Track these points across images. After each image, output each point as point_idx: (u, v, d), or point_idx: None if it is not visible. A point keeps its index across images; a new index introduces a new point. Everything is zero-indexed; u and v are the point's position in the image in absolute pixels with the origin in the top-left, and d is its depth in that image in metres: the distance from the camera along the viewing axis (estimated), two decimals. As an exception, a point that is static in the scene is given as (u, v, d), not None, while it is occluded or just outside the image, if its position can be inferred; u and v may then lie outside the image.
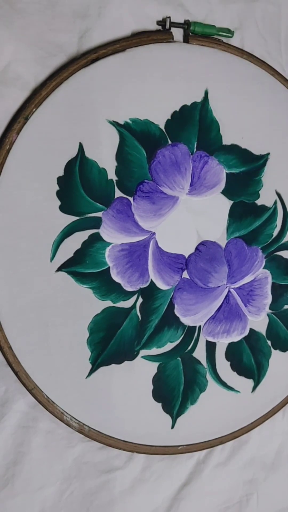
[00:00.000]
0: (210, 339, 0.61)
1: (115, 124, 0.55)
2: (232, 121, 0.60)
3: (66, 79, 0.54)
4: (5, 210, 0.53)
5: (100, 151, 0.55)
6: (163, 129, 0.57)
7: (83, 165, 0.54)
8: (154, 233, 0.58)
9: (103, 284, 0.56)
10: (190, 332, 0.60)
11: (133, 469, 0.62)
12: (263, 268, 0.63)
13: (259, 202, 0.62)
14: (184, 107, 0.58)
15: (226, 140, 0.60)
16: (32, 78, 0.55)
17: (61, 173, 0.54)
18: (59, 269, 0.55)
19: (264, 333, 0.64)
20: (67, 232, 0.54)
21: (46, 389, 0.55)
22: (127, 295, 0.57)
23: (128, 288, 0.57)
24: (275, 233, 0.63)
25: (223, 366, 0.62)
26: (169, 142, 0.57)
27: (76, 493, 0.60)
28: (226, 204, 0.61)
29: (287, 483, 0.70)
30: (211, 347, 0.61)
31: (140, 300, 0.58)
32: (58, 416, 0.56)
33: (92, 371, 0.57)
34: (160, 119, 0.57)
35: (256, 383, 0.64)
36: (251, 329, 0.63)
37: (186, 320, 0.60)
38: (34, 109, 0.53)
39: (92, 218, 0.55)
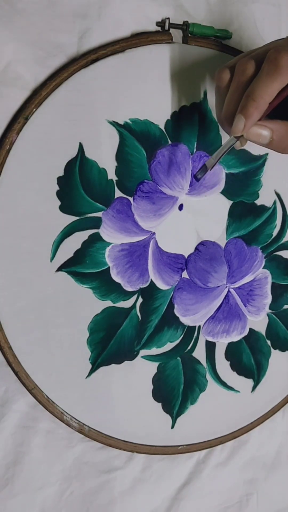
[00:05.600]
0: (210, 339, 0.61)
1: (115, 124, 0.55)
2: (231, 121, 0.60)
3: (66, 80, 0.54)
4: (5, 210, 0.53)
5: (100, 151, 0.55)
6: (163, 129, 0.57)
7: (83, 165, 0.54)
8: (154, 233, 0.58)
9: (103, 284, 0.56)
10: (190, 332, 0.60)
11: (133, 469, 0.62)
12: (263, 268, 0.63)
13: (258, 202, 0.62)
14: (183, 108, 0.58)
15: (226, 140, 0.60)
16: (32, 78, 0.55)
17: (61, 173, 0.54)
18: (59, 269, 0.55)
19: (263, 333, 0.64)
20: (67, 232, 0.54)
21: (46, 389, 0.55)
22: (127, 295, 0.57)
23: (128, 288, 0.57)
24: (275, 233, 0.64)
25: (223, 366, 0.62)
26: (169, 142, 0.57)
27: (76, 493, 0.60)
28: (225, 204, 0.61)
29: (287, 483, 0.70)
30: (210, 347, 0.62)
31: (140, 300, 0.58)
32: (58, 416, 0.56)
33: (92, 371, 0.57)
34: (160, 119, 0.57)
35: (256, 383, 0.64)
36: (250, 329, 0.63)
37: (186, 320, 0.60)
38: (34, 109, 0.53)
39: (92, 218, 0.55)
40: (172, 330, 0.60)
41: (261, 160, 0.62)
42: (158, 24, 0.59)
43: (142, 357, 0.58)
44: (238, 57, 0.48)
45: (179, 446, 0.61)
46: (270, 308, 0.64)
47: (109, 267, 0.56)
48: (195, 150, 0.58)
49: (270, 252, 0.64)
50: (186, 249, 0.60)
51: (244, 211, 0.62)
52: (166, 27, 0.58)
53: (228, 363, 0.63)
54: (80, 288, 0.55)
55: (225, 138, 0.60)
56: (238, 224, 0.61)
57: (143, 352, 0.59)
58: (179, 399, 0.60)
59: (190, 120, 0.58)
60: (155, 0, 0.58)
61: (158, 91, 0.57)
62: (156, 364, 0.59)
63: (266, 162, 0.62)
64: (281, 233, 0.64)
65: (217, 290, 0.61)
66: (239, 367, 0.63)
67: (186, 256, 0.60)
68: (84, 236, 0.55)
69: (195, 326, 0.61)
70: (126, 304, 0.57)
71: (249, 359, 0.63)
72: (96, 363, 0.57)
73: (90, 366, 0.56)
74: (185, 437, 0.62)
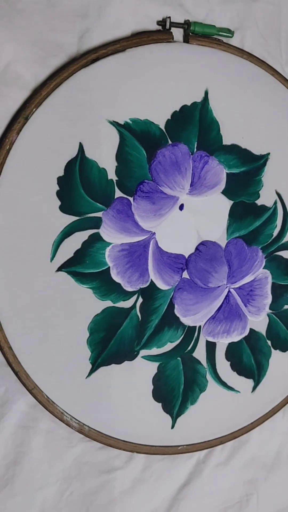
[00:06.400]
0: (210, 339, 0.61)
1: (115, 124, 0.55)
2: (232, 121, 0.60)
3: (66, 79, 0.54)
4: (5, 210, 0.53)
5: (100, 151, 0.55)
6: (163, 129, 0.57)
7: (83, 165, 0.54)
8: (154, 233, 0.58)
9: (103, 284, 0.56)
10: (190, 332, 0.60)
11: (133, 469, 0.62)
12: (263, 268, 0.63)
13: (259, 202, 0.62)
14: (184, 107, 0.58)
15: (226, 140, 0.60)
16: (32, 78, 0.55)
17: (61, 173, 0.54)
18: (59, 269, 0.55)
19: (264, 333, 0.64)
20: (67, 232, 0.54)
21: (46, 389, 0.55)
22: (127, 295, 0.57)
23: (128, 288, 0.57)
24: (275, 233, 0.63)
25: (223, 366, 0.62)
26: (169, 142, 0.57)
27: (76, 493, 0.60)
28: (226, 204, 0.61)
29: (287, 483, 0.70)
30: (211, 347, 0.61)
31: (140, 300, 0.58)
32: (58, 416, 0.56)
33: (92, 371, 0.57)
34: (160, 119, 0.57)
35: (256, 383, 0.64)
36: (251, 329, 0.63)
37: (186, 320, 0.60)
38: (34, 109, 0.53)
39: (92, 218, 0.55)
40: (173, 330, 0.59)
41: (262, 160, 0.62)
42: (159, 23, 0.59)
43: (142, 357, 0.58)
44: None
45: (179, 446, 0.61)
46: (270, 308, 0.64)
47: (109, 267, 0.56)
48: (195, 150, 0.58)
49: (271, 252, 0.63)
50: (186, 249, 0.60)
51: (245, 211, 0.61)
52: (167, 26, 0.58)
53: (228, 363, 0.62)
54: (80, 288, 0.55)
55: (225, 138, 0.60)
56: (239, 224, 0.61)
57: (143, 352, 0.58)
58: (179, 399, 0.60)
59: (190, 120, 0.58)
60: (156, -1, 0.58)
61: (158, 91, 0.57)
62: (156, 364, 0.59)
63: (267, 162, 0.62)
64: (281, 233, 0.64)
65: (218, 290, 0.61)
66: (239, 367, 0.63)
67: (186, 256, 0.60)
68: (84, 236, 0.55)
69: (195, 326, 0.61)
70: (126, 304, 0.57)
71: (249, 359, 0.63)
72: (96, 363, 0.57)
73: (90, 366, 0.56)
74: (185, 437, 0.61)
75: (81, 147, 0.54)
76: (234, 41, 0.62)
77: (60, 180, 0.54)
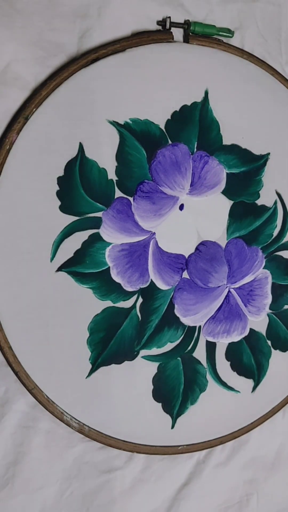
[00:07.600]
0: (210, 339, 0.61)
1: (115, 124, 0.55)
2: (232, 121, 0.60)
3: (66, 79, 0.54)
4: (5, 210, 0.53)
5: (100, 151, 0.55)
6: (163, 129, 0.57)
7: (83, 165, 0.54)
8: (154, 233, 0.58)
9: (103, 284, 0.56)
10: (190, 332, 0.60)
11: (133, 469, 0.62)
12: (263, 268, 0.63)
13: (259, 202, 0.62)
14: (184, 107, 0.58)
15: (226, 140, 0.60)
16: (32, 78, 0.55)
17: (61, 173, 0.54)
18: (59, 269, 0.55)
19: (264, 333, 0.64)
20: (67, 232, 0.54)
21: (46, 389, 0.55)
22: (127, 295, 0.57)
23: (128, 288, 0.57)
24: (275, 233, 0.63)
25: (223, 366, 0.62)
26: (169, 142, 0.57)
27: (76, 493, 0.60)
28: (226, 204, 0.61)
29: (287, 483, 0.70)
30: (211, 347, 0.61)
31: (140, 300, 0.58)
32: (58, 416, 0.56)
33: (92, 371, 0.57)
34: (160, 119, 0.57)
35: (256, 383, 0.64)
36: (251, 329, 0.63)
37: (186, 320, 0.60)
38: (34, 109, 0.53)
39: (92, 218, 0.55)
40: (173, 330, 0.59)
41: (262, 160, 0.62)
42: (159, 23, 0.59)
43: (142, 357, 0.58)
44: None
45: (179, 446, 0.61)
46: (270, 308, 0.64)
47: (109, 267, 0.56)
48: (195, 150, 0.58)
49: (271, 252, 0.63)
50: (186, 249, 0.60)
51: (245, 211, 0.61)
52: (167, 26, 0.58)
53: (228, 363, 0.62)
54: (80, 288, 0.55)
55: (225, 138, 0.60)
56: (239, 224, 0.61)
57: (143, 352, 0.58)
58: (179, 399, 0.60)
59: (190, 120, 0.58)
60: (156, -1, 0.58)
61: (158, 91, 0.57)
62: (156, 364, 0.59)
63: (267, 162, 0.62)
64: (281, 233, 0.64)
65: (218, 290, 0.61)
66: (239, 367, 0.63)
67: (186, 256, 0.60)
68: (84, 236, 0.55)
69: (195, 326, 0.61)
70: (126, 304, 0.57)
71: (249, 359, 0.63)
72: (96, 363, 0.57)
73: (90, 366, 0.56)
74: (185, 437, 0.62)
75: (81, 147, 0.54)
76: (234, 41, 0.62)
77: (60, 180, 0.54)
